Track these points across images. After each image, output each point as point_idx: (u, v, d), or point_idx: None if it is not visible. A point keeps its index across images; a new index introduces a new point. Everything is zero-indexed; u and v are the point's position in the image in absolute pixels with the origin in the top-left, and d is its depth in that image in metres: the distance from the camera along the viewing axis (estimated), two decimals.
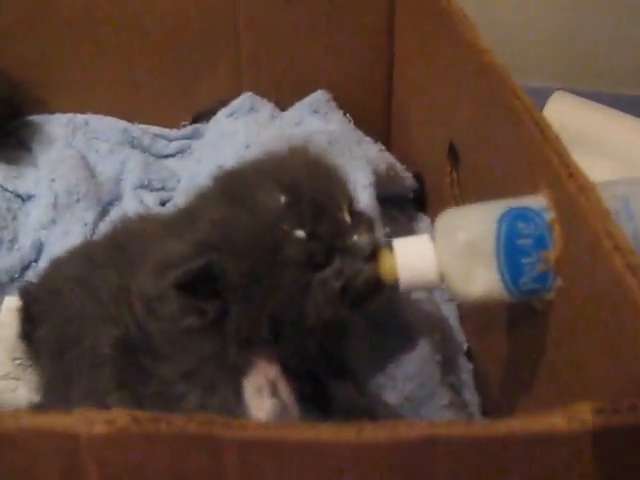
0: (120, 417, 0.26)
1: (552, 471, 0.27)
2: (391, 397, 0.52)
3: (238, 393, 0.43)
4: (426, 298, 0.61)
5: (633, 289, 0.31)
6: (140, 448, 0.26)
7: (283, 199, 0.41)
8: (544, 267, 0.39)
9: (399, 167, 0.72)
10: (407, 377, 0.53)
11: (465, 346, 0.61)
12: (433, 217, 0.76)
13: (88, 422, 0.26)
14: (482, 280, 0.41)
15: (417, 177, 0.74)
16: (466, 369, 0.59)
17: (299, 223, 0.41)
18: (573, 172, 0.37)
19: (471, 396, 0.57)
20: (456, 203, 0.62)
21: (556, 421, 0.26)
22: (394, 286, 0.44)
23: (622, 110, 0.80)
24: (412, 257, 0.43)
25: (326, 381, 0.51)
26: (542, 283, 0.40)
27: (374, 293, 0.44)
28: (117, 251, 0.49)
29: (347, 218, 0.44)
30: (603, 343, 0.35)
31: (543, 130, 0.40)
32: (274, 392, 0.42)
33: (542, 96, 0.86)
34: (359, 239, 0.43)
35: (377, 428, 0.26)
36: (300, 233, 0.41)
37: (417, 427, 0.25)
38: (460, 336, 0.62)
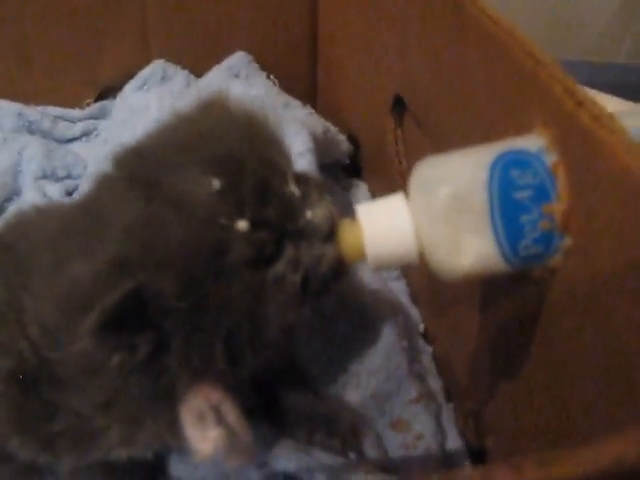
0: None
1: None
2: (354, 396, 0.44)
3: (173, 424, 0.33)
4: (373, 276, 0.53)
5: None
6: None
7: (217, 183, 0.31)
8: (547, 224, 0.32)
9: (333, 130, 0.65)
10: (371, 371, 0.44)
11: (421, 327, 0.54)
12: (371, 182, 0.70)
13: None
14: (473, 247, 0.33)
15: (351, 140, 0.66)
16: (426, 353, 0.52)
17: (239, 210, 0.31)
18: (583, 100, 0.29)
19: (435, 383, 0.50)
20: (400, 163, 0.54)
21: None
22: (359, 265, 0.35)
23: None
24: (382, 226, 0.34)
25: (278, 391, 0.42)
26: (545, 245, 0.32)
27: (339, 278, 0.35)
28: (3, 254, 0.37)
29: (295, 190, 0.35)
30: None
31: (534, 55, 0.32)
32: (219, 419, 0.33)
33: None
34: (314, 215, 0.34)
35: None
36: (243, 224, 0.31)
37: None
38: (415, 316, 0.54)
